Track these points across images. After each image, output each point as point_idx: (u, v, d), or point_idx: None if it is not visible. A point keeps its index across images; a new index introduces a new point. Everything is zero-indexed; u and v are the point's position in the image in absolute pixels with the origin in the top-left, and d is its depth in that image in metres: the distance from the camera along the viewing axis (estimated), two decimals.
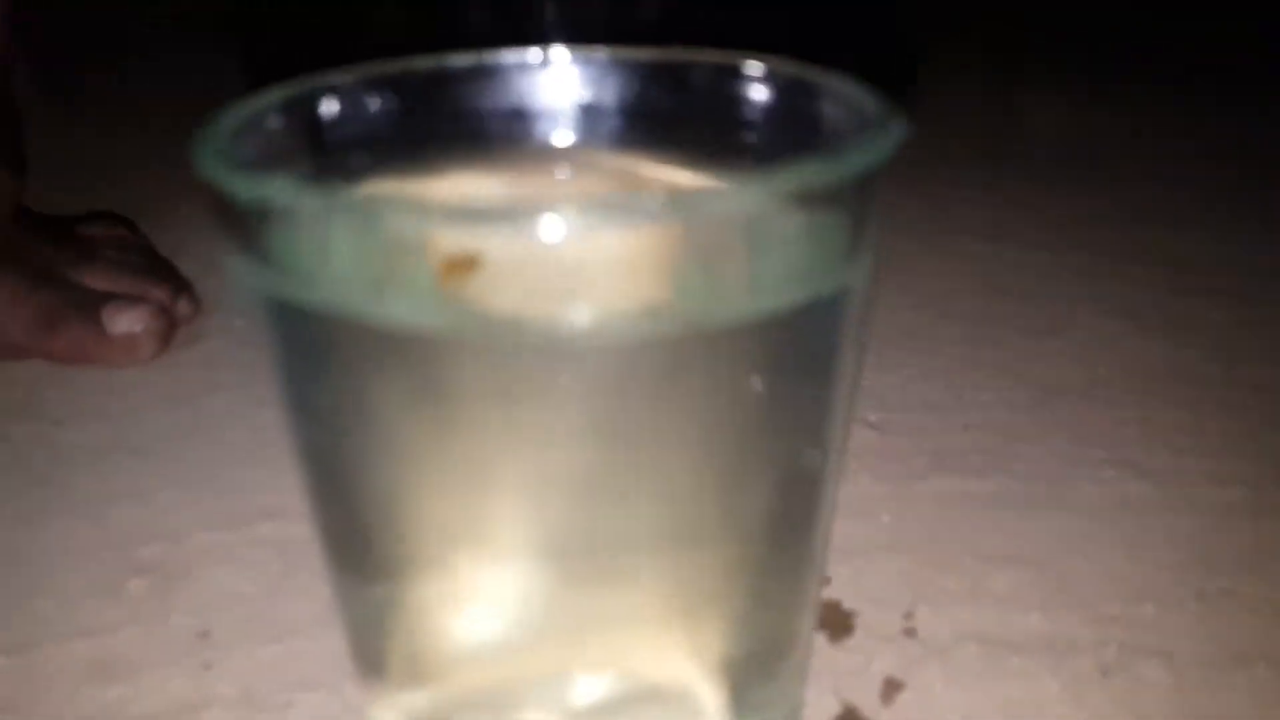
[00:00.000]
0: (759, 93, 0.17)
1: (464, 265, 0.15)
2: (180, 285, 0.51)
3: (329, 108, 0.16)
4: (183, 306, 0.50)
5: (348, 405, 0.12)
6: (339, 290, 0.11)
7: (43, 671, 0.28)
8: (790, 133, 0.16)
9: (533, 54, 0.17)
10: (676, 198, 0.10)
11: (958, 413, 0.45)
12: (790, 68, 0.16)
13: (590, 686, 0.15)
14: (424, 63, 0.17)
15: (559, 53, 0.17)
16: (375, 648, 0.16)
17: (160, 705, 0.27)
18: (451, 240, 0.14)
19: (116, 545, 0.34)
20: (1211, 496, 0.38)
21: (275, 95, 0.15)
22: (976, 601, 0.31)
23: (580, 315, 0.11)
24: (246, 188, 0.11)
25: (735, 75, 0.17)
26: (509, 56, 0.17)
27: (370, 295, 0.11)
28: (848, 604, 0.31)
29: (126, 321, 0.46)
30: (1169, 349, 0.52)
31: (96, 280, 0.49)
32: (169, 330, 0.47)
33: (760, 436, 0.13)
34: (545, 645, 0.14)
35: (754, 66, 0.17)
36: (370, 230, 0.10)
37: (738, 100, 0.17)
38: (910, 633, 0.30)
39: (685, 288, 0.11)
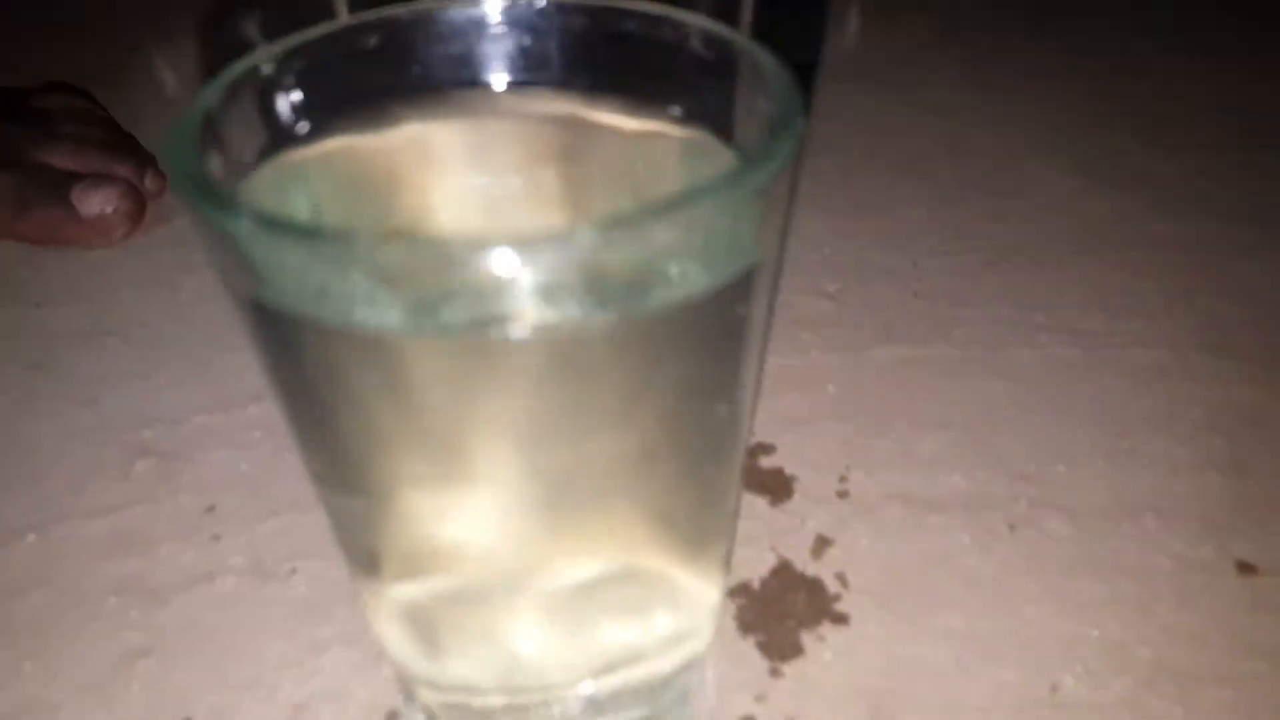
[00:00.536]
0: (683, 46, 0.18)
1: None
2: (144, 160, 0.52)
3: (287, 74, 0.17)
4: (149, 183, 0.51)
5: (317, 383, 0.14)
6: (298, 295, 0.13)
7: (64, 548, 0.32)
8: (709, 85, 0.18)
9: (477, 4, 0.18)
10: (603, 233, 0.12)
11: (911, 279, 0.47)
12: (711, 27, 0.17)
13: (566, 573, 0.18)
14: (375, 16, 0.18)
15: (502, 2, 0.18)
16: (359, 548, 0.19)
17: (176, 575, 0.31)
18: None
19: (116, 429, 0.36)
20: (1135, 359, 0.41)
21: (238, 71, 0.16)
22: (905, 464, 0.35)
23: (520, 321, 0.13)
24: (214, 217, 0.13)
25: (664, 26, 0.18)
26: (456, 7, 0.18)
27: (325, 302, 0.12)
28: (789, 469, 0.34)
29: (97, 202, 0.46)
30: (1121, 204, 0.53)
31: (62, 159, 0.49)
32: (139, 210, 0.48)
33: (682, 399, 0.15)
34: (521, 552, 0.17)
35: (680, 22, 0.18)
36: (326, 259, 0.12)
37: (664, 51, 0.18)
38: (843, 494, 0.33)
39: (608, 289, 0.13)
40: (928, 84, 0.65)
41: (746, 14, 0.49)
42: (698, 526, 0.19)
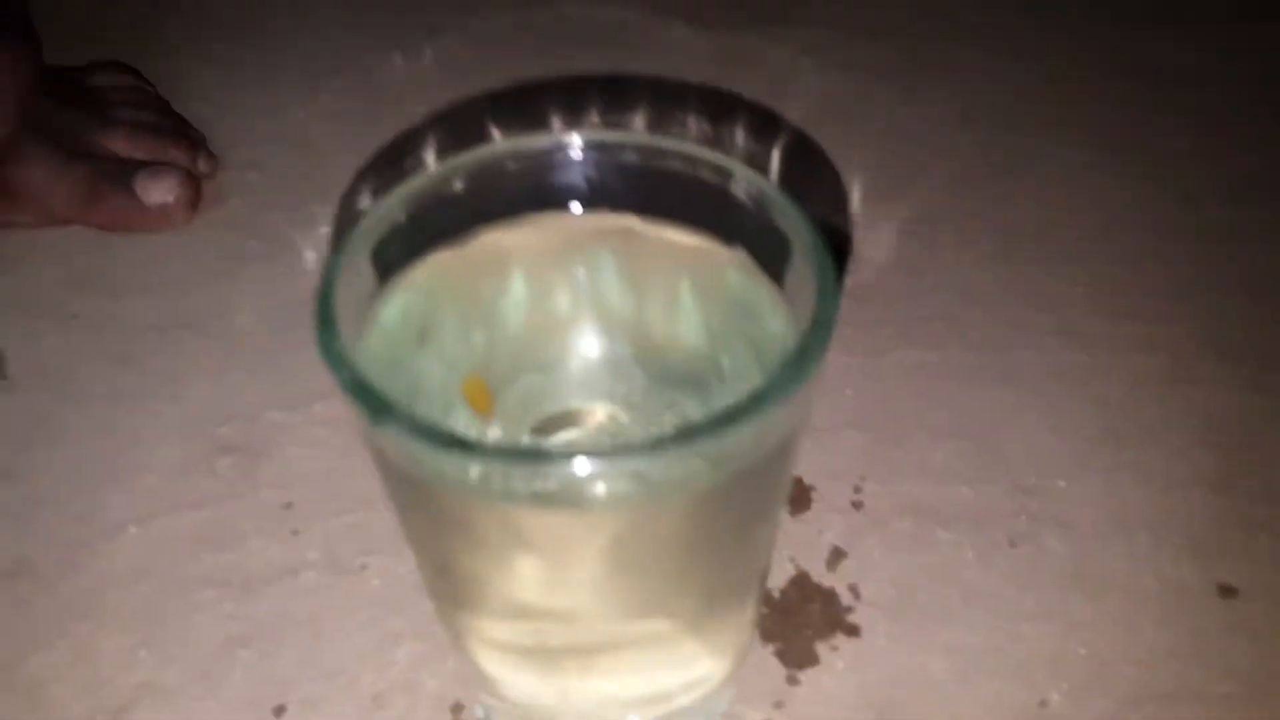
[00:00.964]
0: (731, 190, 0.21)
1: (480, 392, 0.20)
2: (196, 140, 0.54)
3: (399, 216, 0.20)
4: (202, 165, 0.53)
5: (432, 512, 0.18)
6: (434, 473, 0.16)
7: (162, 540, 0.35)
8: (755, 232, 0.20)
9: (557, 140, 0.21)
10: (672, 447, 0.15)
11: (929, 274, 0.49)
12: (760, 182, 0.20)
13: (622, 660, 0.22)
14: (469, 158, 0.20)
15: (577, 139, 0.21)
16: (450, 613, 0.22)
17: (263, 568, 0.34)
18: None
19: (198, 424, 0.40)
20: (1136, 365, 0.43)
21: (360, 238, 0.19)
22: (918, 475, 0.38)
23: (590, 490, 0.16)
24: (364, 403, 0.16)
25: (716, 172, 0.21)
26: (538, 143, 0.21)
27: (443, 473, 0.15)
28: (808, 479, 0.38)
29: (159, 192, 0.49)
30: (1130, 182, 0.55)
31: (119, 143, 0.52)
32: (196, 196, 0.51)
33: (733, 539, 0.18)
34: (585, 648, 0.21)
35: (728, 170, 0.20)
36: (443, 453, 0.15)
37: (714, 192, 0.21)
38: (858, 505, 0.37)
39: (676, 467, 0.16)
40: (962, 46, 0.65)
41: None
42: (738, 610, 0.22)
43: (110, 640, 0.32)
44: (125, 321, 0.45)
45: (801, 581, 0.34)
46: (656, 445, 0.15)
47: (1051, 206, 0.53)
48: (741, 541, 0.19)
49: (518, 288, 0.24)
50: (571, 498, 0.16)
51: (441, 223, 0.21)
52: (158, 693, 0.31)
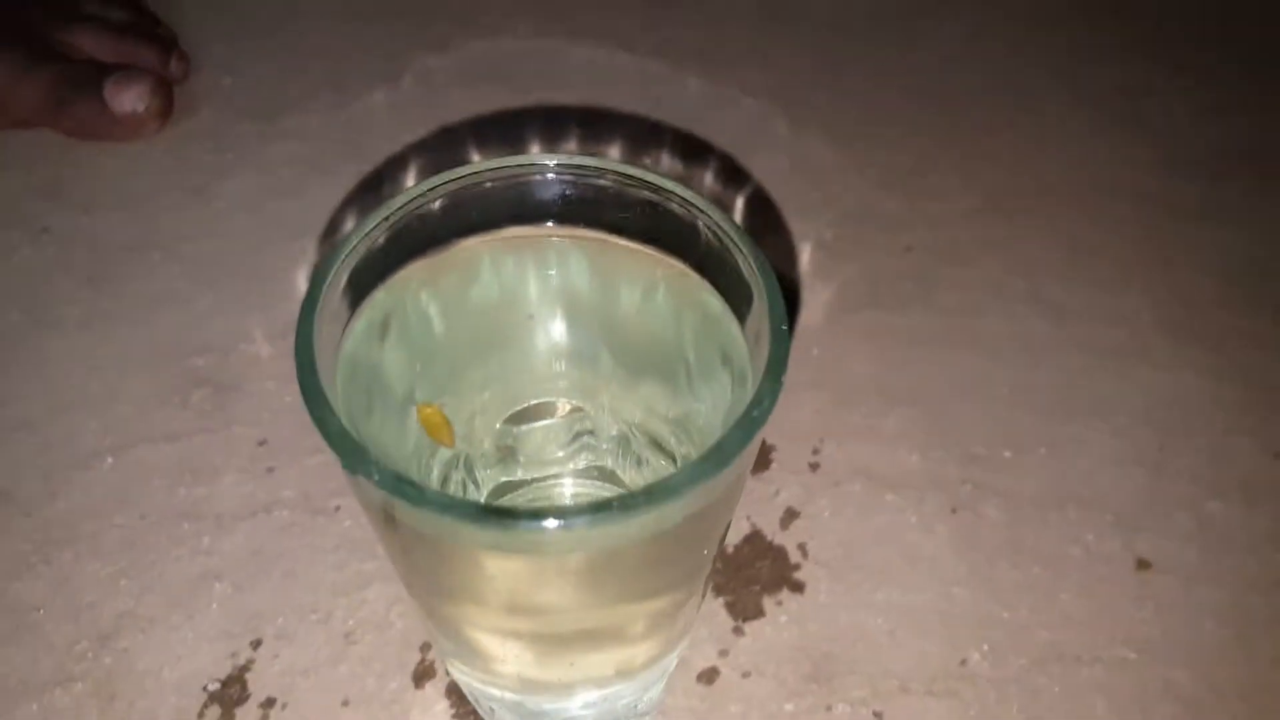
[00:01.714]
0: (691, 215, 0.21)
1: (437, 421, 0.21)
2: (168, 40, 0.53)
3: (374, 240, 0.20)
4: (174, 68, 0.52)
5: (402, 536, 0.19)
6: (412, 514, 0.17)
7: (138, 472, 0.36)
8: (707, 251, 0.21)
9: (530, 161, 0.21)
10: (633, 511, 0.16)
11: (906, 230, 0.50)
12: (721, 219, 0.20)
13: (578, 661, 0.24)
14: (452, 174, 0.21)
15: (550, 160, 0.21)
16: (426, 609, 0.24)
17: (238, 504, 0.36)
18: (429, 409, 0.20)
19: (170, 353, 0.40)
20: (1098, 337, 0.45)
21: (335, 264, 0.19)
22: (872, 439, 0.39)
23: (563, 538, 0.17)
24: (349, 461, 0.17)
25: (673, 198, 0.21)
26: (514, 164, 0.21)
27: (428, 520, 0.17)
28: (770, 440, 0.39)
29: (130, 99, 0.48)
30: (1119, 145, 0.55)
31: (86, 41, 0.50)
32: (169, 104, 0.50)
33: (682, 565, 0.20)
34: (547, 655, 0.22)
35: (688, 199, 0.21)
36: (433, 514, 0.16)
37: (672, 214, 0.21)
38: (815, 466, 0.38)
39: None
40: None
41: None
42: (685, 612, 0.24)
43: (91, 569, 0.33)
44: (97, 239, 0.45)
45: (755, 539, 0.36)
46: (621, 508, 0.16)
47: (1037, 166, 0.54)
48: (694, 557, 0.21)
49: (487, 276, 0.24)
50: (530, 548, 0.17)
51: (418, 243, 0.21)
52: (139, 621, 0.32)
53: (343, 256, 0.19)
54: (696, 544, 0.20)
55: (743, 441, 0.17)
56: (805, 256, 0.48)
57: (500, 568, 0.18)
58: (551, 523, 0.16)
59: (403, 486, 0.16)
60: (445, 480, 0.25)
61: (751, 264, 0.20)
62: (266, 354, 0.40)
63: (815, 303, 0.45)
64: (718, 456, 0.17)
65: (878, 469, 0.38)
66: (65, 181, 0.47)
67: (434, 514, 0.16)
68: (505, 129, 0.53)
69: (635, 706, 0.27)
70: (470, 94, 0.54)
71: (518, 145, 0.51)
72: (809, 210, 0.50)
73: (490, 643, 0.22)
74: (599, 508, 0.16)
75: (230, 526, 0.35)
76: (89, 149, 0.49)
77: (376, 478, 0.16)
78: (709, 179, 0.51)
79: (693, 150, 0.53)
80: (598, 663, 0.23)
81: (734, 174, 0.52)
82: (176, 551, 0.34)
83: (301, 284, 0.43)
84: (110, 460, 0.37)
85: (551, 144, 0.51)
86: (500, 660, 0.22)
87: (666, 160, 0.52)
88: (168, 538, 0.34)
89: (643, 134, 0.53)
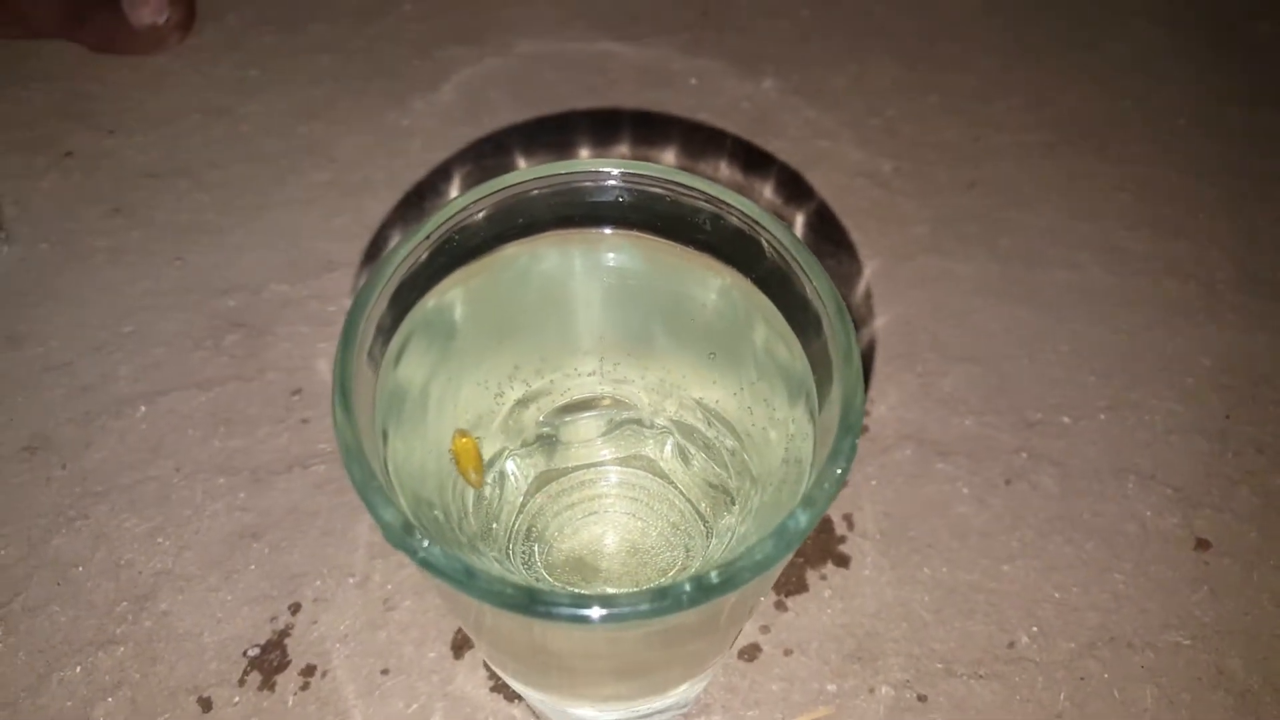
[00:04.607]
0: (732, 219, 0.19)
1: (470, 454, 0.20)
2: None
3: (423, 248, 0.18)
4: None
5: (458, 605, 0.18)
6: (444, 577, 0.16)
7: (173, 421, 0.36)
8: (752, 257, 0.19)
9: (580, 167, 0.19)
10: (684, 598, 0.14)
11: (969, 163, 0.47)
12: (777, 228, 0.18)
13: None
14: (501, 181, 0.19)
15: (602, 166, 0.19)
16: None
17: (274, 457, 0.35)
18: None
19: (202, 292, 0.39)
20: (1166, 292, 0.42)
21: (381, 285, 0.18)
22: (925, 401, 0.38)
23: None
24: (394, 538, 0.15)
25: (719, 204, 0.19)
26: (562, 169, 0.19)
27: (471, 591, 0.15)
28: None
29: (149, 12, 0.45)
30: (1199, 74, 0.51)
31: None
32: (190, 16, 0.47)
33: (724, 620, 0.19)
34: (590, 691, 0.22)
35: (737, 205, 0.19)
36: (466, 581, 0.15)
37: (714, 216, 0.19)
38: (864, 429, 0.37)
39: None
40: None
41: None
42: (729, 642, 0.23)
43: (129, 524, 0.33)
44: (122, 163, 0.43)
45: None
46: (675, 603, 0.15)
47: (1116, 96, 0.50)
48: (742, 613, 0.20)
49: (539, 269, 0.23)
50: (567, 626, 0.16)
51: (472, 236, 0.19)
52: (177, 581, 0.32)
53: (382, 282, 0.18)
54: (753, 598, 0.19)
55: (814, 518, 0.16)
56: (861, 192, 0.45)
57: (545, 632, 0.17)
58: (602, 610, 0.14)
59: (449, 566, 0.15)
60: (487, 472, 0.24)
61: (823, 297, 0.18)
62: (299, 294, 0.39)
63: (871, 247, 0.42)
64: (789, 535, 0.16)
65: (930, 433, 0.37)
66: (87, 99, 0.45)
67: (474, 595, 0.15)
68: (540, 66, 0.49)
69: (673, 706, 0.26)
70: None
71: (550, 105, 0.48)
72: (867, 140, 0.47)
73: (528, 672, 0.21)
74: (655, 597, 0.15)
75: (266, 481, 0.34)
76: (110, 63, 0.46)
77: (420, 556, 0.15)
78: (767, 96, 0.48)
79: (745, 62, 0.49)
80: (640, 687, 0.22)
81: (790, 93, 0.48)
82: (212, 507, 0.34)
83: (330, 218, 0.42)
84: (143, 409, 0.36)
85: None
86: (537, 684, 0.22)
87: (713, 61, 0.49)
88: (203, 492, 0.34)
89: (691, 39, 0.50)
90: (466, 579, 0.15)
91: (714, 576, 0.15)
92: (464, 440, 0.22)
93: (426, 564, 0.15)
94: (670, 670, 0.21)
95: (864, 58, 0.51)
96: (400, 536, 0.16)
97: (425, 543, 0.15)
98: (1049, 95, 0.50)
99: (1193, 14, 0.55)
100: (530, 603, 0.15)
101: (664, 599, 0.15)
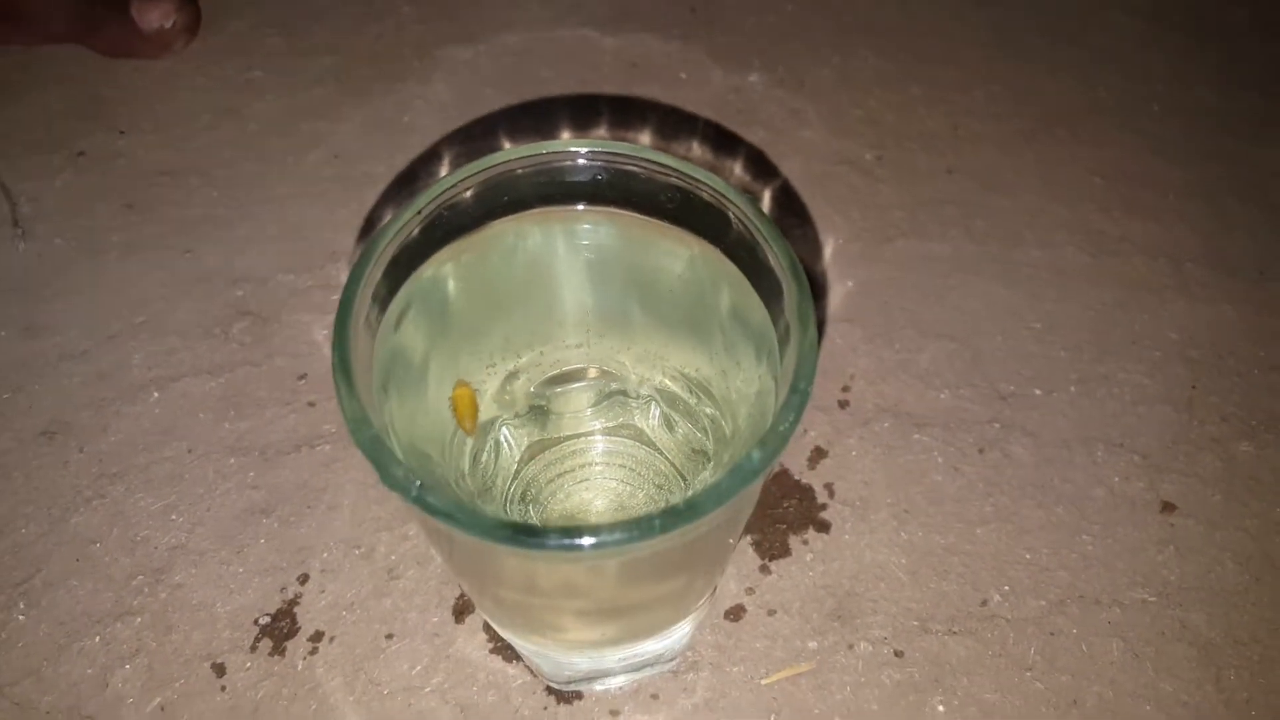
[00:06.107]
0: (702, 194, 0.21)
1: (467, 404, 0.21)
2: None
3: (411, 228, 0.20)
4: None
5: (456, 551, 0.20)
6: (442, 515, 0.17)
7: (185, 405, 0.38)
8: (720, 229, 0.21)
9: (558, 148, 0.21)
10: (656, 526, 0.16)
11: (949, 151, 0.48)
12: (742, 201, 0.20)
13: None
14: (487, 161, 0.20)
15: (576, 146, 0.21)
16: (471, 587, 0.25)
17: (282, 437, 0.37)
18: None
19: (211, 283, 0.41)
20: (1136, 268, 0.44)
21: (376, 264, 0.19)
22: (904, 376, 0.40)
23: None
24: (392, 483, 0.17)
25: (690, 180, 0.21)
26: (542, 150, 0.21)
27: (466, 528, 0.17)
28: None
29: (157, 16, 0.47)
30: (1174, 61, 0.53)
31: None
32: (195, 20, 0.49)
33: (712, 558, 0.20)
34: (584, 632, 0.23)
35: (708, 183, 0.21)
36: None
37: (685, 192, 0.21)
38: (844, 404, 0.39)
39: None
40: None
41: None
42: (712, 582, 0.24)
43: (144, 503, 0.35)
44: (134, 162, 0.45)
45: (783, 478, 0.36)
46: (648, 528, 0.16)
47: (1094, 85, 0.51)
48: (720, 548, 0.21)
49: (520, 246, 0.24)
50: (555, 556, 0.18)
51: (457, 214, 0.21)
52: (191, 555, 0.34)
53: (377, 254, 0.19)
54: (723, 537, 0.21)
55: (768, 459, 0.18)
56: (843, 178, 0.46)
57: (534, 567, 0.19)
58: (585, 539, 0.16)
59: (438, 507, 0.17)
60: (481, 437, 0.26)
61: (782, 262, 0.19)
62: (305, 284, 0.41)
63: (852, 230, 0.44)
64: (745, 471, 0.17)
65: (907, 407, 0.39)
66: (99, 101, 0.47)
67: (464, 531, 0.17)
68: (537, 59, 0.51)
69: (662, 655, 0.28)
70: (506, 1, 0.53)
71: (538, 89, 0.50)
72: (848, 130, 0.48)
73: (524, 617, 0.23)
74: (630, 526, 0.16)
75: (275, 460, 0.36)
76: (121, 67, 0.48)
77: (414, 495, 0.17)
78: (753, 89, 0.50)
79: (732, 56, 0.51)
80: (628, 629, 0.24)
81: (775, 85, 0.50)
82: (224, 485, 0.35)
83: (333, 210, 0.43)
84: (157, 394, 0.38)
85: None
86: (534, 630, 0.23)
87: (709, 43, 0.50)
88: (215, 471, 0.36)
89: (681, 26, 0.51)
90: (458, 513, 0.17)
91: (681, 505, 0.17)
92: (463, 389, 0.23)
93: (420, 501, 0.17)
94: (656, 611, 0.23)
95: (847, 51, 0.53)
96: (391, 470, 0.17)
97: (418, 483, 0.17)
98: (1028, 85, 0.52)
99: (1171, 2, 0.56)
100: (515, 534, 0.17)
101: (638, 527, 0.16)
